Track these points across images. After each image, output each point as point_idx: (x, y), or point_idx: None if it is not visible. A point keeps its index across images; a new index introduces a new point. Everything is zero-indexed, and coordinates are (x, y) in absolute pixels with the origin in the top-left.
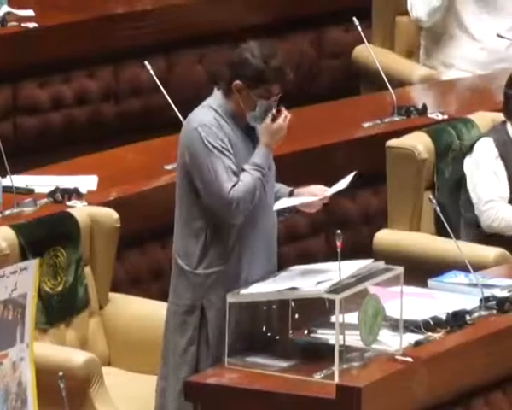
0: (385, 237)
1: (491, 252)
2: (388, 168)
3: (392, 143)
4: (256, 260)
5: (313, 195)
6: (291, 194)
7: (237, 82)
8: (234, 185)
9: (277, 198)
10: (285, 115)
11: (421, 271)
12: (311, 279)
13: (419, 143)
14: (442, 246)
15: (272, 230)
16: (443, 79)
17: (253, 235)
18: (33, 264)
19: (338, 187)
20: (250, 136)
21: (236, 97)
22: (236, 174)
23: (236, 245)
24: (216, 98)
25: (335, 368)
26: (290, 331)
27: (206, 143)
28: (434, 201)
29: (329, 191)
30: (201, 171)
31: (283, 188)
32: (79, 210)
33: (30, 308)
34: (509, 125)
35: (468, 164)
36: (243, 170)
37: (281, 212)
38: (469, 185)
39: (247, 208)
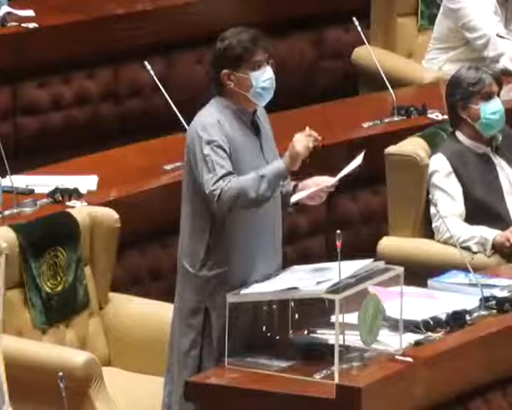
0: (389, 244)
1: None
2: (388, 175)
3: (391, 150)
4: (260, 263)
5: (319, 185)
6: (294, 188)
7: (223, 71)
8: (220, 178)
9: (283, 196)
10: (309, 138)
11: (426, 276)
12: (311, 279)
13: (419, 149)
14: (446, 251)
15: (277, 231)
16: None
17: (257, 237)
18: (2, 259)
19: (345, 171)
20: (254, 132)
21: (230, 87)
22: (225, 169)
23: (240, 247)
24: (216, 101)
25: (335, 368)
26: (290, 331)
27: (204, 142)
28: (434, 201)
29: (335, 178)
30: (197, 165)
31: (287, 184)
32: (79, 210)
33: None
34: (458, 132)
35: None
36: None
37: (285, 207)
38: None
39: (232, 204)
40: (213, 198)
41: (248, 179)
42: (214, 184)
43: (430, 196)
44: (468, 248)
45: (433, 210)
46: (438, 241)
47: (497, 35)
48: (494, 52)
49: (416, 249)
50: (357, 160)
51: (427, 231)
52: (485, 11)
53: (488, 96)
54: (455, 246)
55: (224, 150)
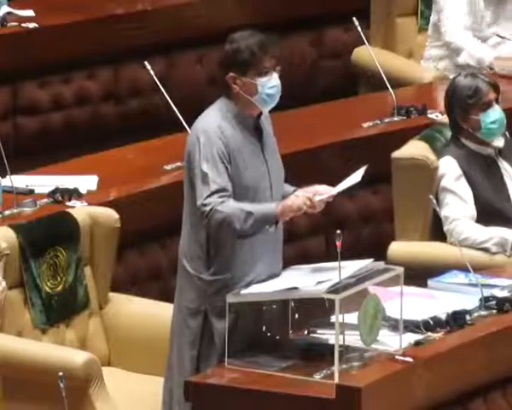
0: (399, 248)
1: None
2: (396, 178)
3: (399, 154)
4: (261, 268)
5: (318, 194)
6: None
7: (230, 74)
8: (212, 193)
9: (283, 198)
10: (308, 201)
11: (426, 276)
12: (311, 279)
13: (427, 152)
14: (458, 253)
15: (278, 237)
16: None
17: (258, 242)
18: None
19: (345, 184)
20: (257, 135)
21: (236, 91)
22: (217, 184)
23: (241, 253)
24: (222, 101)
25: (335, 368)
26: (290, 331)
27: (202, 150)
28: (435, 201)
29: (335, 189)
30: (193, 173)
31: (287, 187)
32: (79, 210)
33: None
34: (461, 138)
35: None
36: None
37: None
38: (439, 202)
39: (218, 227)
40: (203, 213)
41: (237, 209)
42: (206, 198)
43: (431, 197)
44: (486, 250)
45: (444, 213)
46: (451, 243)
47: (497, 35)
48: (454, 44)
49: (428, 253)
50: (358, 175)
51: (436, 234)
52: (457, 12)
53: (487, 106)
54: (471, 248)
55: (222, 162)
